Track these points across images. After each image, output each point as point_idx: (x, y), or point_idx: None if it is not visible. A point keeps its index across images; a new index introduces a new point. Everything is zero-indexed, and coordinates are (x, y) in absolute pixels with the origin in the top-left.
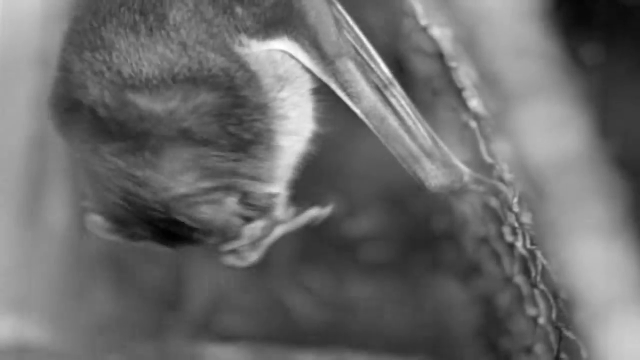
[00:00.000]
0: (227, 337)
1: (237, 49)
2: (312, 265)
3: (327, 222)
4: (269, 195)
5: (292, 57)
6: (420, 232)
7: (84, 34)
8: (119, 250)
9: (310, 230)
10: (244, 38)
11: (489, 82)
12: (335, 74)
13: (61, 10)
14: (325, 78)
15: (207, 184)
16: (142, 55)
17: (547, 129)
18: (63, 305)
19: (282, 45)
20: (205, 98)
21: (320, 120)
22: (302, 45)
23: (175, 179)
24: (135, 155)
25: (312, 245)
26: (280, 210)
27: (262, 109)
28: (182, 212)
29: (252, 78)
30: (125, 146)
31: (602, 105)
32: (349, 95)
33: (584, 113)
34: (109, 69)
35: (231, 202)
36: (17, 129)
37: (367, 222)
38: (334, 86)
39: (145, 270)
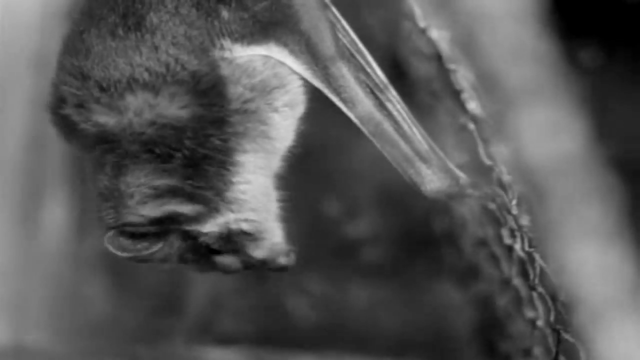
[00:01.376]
0: (226, 340)
1: (216, 53)
2: (311, 268)
3: (326, 225)
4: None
5: (279, 63)
6: (419, 235)
7: (72, 38)
8: None
9: (309, 233)
10: (227, 42)
11: (487, 84)
12: (328, 79)
13: (60, 11)
14: (318, 83)
15: (154, 212)
16: (112, 60)
17: (546, 132)
18: (61, 306)
19: (268, 51)
20: (164, 109)
21: (302, 132)
22: (292, 51)
23: (125, 204)
24: (101, 168)
25: (311, 248)
26: (263, 246)
27: (220, 123)
28: (120, 243)
29: (218, 83)
30: (94, 157)
31: (600, 108)
32: (343, 100)
33: (583, 116)
34: (81, 74)
35: (175, 239)
36: (16, 130)
37: (365, 224)
38: (327, 91)
39: (144, 273)
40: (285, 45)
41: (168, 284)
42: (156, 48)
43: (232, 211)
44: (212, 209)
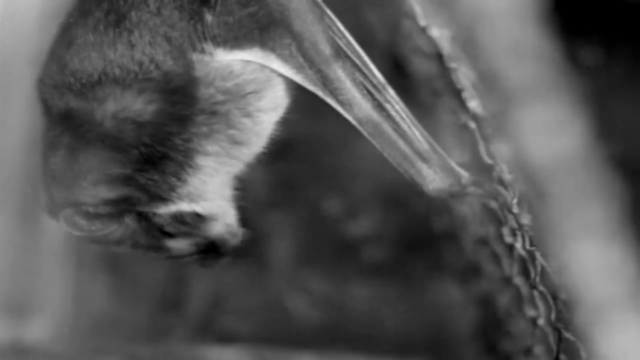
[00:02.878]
0: (227, 339)
1: (194, 56)
2: (311, 267)
3: (327, 223)
4: (177, 215)
5: (259, 68)
6: (420, 234)
7: (63, 27)
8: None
9: (310, 232)
10: (208, 46)
11: (488, 83)
12: (324, 82)
13: (60, 10)
14: (311, 87)
15: (107, 194)
16: (88, 53)
17: (547, 130)
18: (62, 305)
19: (252, 56)
20: (129, 103)
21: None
22: (280, 55)
23: (79, 184)
24: (56, 148)
25: (312, 247)
26: (216, 227)
27: (183, 122)
28: (76, 222)
29: (189, 83)
30: (52, 136)
31: (601, 107)
32: (340, 102)
33: (583, 114)
34: (61, 62)
35: (130, 220)
36: (16, 130)
37: (367, 223)
38: (322, 94)
39: (145, 272)
40: (272, 50)
41: (169, 283)
42: (132, 46)
43: (185, 202)
44: (164, 199)
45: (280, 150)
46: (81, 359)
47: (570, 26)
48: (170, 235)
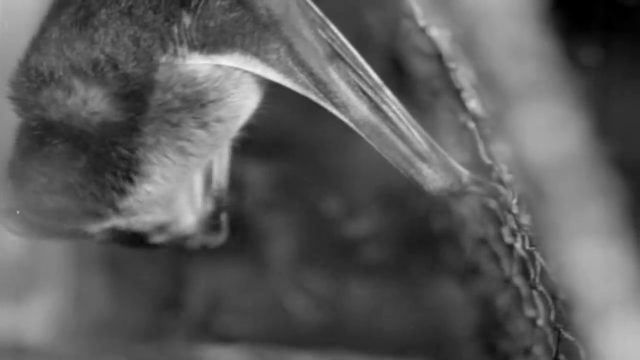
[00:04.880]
0: (226, 339)
1: (163, 58)
2: (311, 267)
3: (326, 223)
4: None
5: (224, 76)
6: (420, 234)
7: (42, 21)
8: (118, 251)
9: (310, 232)
10: (183, 49)
11: (487, 83)
12: (317, 85)
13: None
14: (302, 90)
15: (46, 204)
16: (49, 50)
17: (546, 130)
18: (62, 306)
19: (230, 61)
20: (72, 111)
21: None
22: (266, 60)
23: (24, 186)
24: (17, 144)
25: (312, 247)
26: (157, 239)
27: (129, 133)
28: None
29: (146, 87)
30: (17, 136)
31: (600, 107)
32: (335, 105)
33: (583, 114)
34: (26, 56)
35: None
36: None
37: (366, 223)
38: (315, 98)
39: (144, 272)
40: (256, 55)
41: (168, 283)
42: (93, 45)
43: (122, 217)
44: (100, 217)
45: (280, 150)
46: (81, 359)
47: (570, 26)
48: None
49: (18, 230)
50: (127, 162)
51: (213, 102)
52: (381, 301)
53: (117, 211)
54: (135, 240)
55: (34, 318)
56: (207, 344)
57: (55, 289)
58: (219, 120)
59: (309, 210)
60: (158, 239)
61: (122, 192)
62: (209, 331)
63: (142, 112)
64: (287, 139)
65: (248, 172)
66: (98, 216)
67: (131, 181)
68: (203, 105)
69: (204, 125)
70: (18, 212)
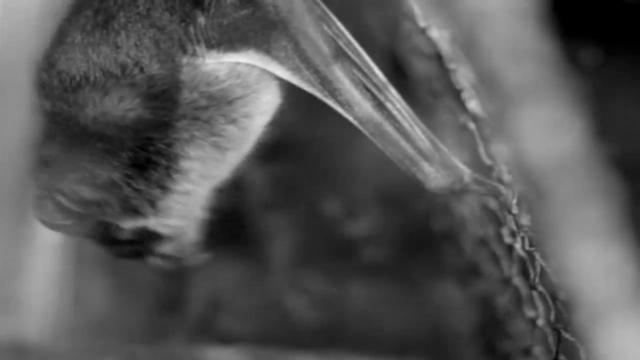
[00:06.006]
0: (226, 340)
1: (184, 59)
2: (311, 267)
3: (326, 224)
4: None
5: (245, 72)
6: (420, 234)
7: (59, 24)
8: None
9: (310, 232)
10: (201, 48)
11: (487, 83)
12: (322, 82)
13: (60, 9)
14: (309, 87)
15: (86, 194)
16: (73, 54)
17: (546, 131)
18: (61, 306)
19: (246, 58)
20: (108, 109)
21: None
22: (276, 57)
23: (65, 176)
24: (52, 138)
25: (312, 247)
26: (166, 247)
27: (164, 128)
28: (44, 207)
29: (172, 87)
30: (47, 132)
31: (600, 107)
32: (339, 103)
33: (583, 115)
34: (49, 61)
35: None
36: (16, 130)
37: (366, 223)
38: (320, 95)
39: (144, 272)
40: (267, 52)
41: (168, 283)
42: (117, 48)
43: (157, 217)
44: (139, 214)
45: (281, 150)
46: (81, 359)
47: (569, 26)
48: (118, 242)
49: (48, 217)
50: (165, 158)
51: (239, 98)
52: (381, 301)
53: (156, 210)
54: (143, 250)
55: (34, 318)
56: (207, 344)
57: (55, 289)
58: (247, 116)
59: (309, 210)
60: (166, 248)
61: (164, 189)
62: (208, 331)
63: (172, 109)
64: (287, 139)
65: (248, 172)
66: (137, 212)
67: (172, 178)
68: (229, 102)
69: (232, 121)
70: (54, 198)
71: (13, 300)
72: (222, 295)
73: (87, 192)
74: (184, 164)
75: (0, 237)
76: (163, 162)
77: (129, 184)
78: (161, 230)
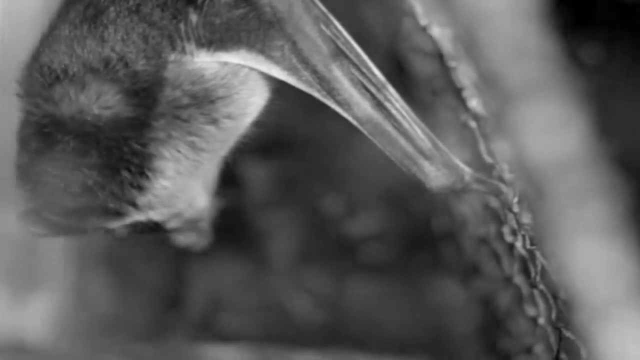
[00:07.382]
0: (227, 338)
1: (172, 56)
2: (312, 266)
3: (327, 222)
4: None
5: (232, 73)
6: (420, 233)
7: (51, 19)
8: (119, 249)
9: (311, 231)
10: (190, 46)
11: (488, 82)
12: (320, 82)
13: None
14: (306, 87)
15: (67, 204)
16: (58, 47)
17: (547, 129)
18: (63, 305)
19: (237, 58)
20: (84, 107)
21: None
22: (270, 57)
23: (40, 190)
24: (25, 145)
25: (312, 246)
26: (171, 224)
27: (140, 128)
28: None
29: (155, 84)
30: (21, 134)
31: (601, 105)
32: (338, 103)
33: (584, 113)
34: (35, 54)
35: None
36: (16, 129)
37: (367, 222)
38: (318, 95)
39: (145, 270)
40: (261, 51)
41: (169, 282)
42: (103, 42)
43: (141, 212)
44: (121, 214)
45: (282, 148)
46: (81, 358)
47: (571, 25)
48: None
49: (39, 231)
50: (139, 157)
51: (221, 98)
52: (382, 300)
53: (137, 207)
54: (152, 228)
55: (35, 317)
56: (208, 342)
57: (56, 288)
58: (228, 117)
59: (310, 209)
60: (173, 224)
61: (140, 189)
62: (209, 330)
63: (152, 107)
64: (288, 137)
65: (248, 170)
66: (119, 214)
67: (146, 177)
68: (211, 102)
69: (213, 121)
70: (38, 213)
71: (14, 299)
72: (223, 294)
73: (66, 202)
74: (158, 163)
75: (1, 237)
76: (136, 161)
77: (103, 188)
78: (155, 218)
